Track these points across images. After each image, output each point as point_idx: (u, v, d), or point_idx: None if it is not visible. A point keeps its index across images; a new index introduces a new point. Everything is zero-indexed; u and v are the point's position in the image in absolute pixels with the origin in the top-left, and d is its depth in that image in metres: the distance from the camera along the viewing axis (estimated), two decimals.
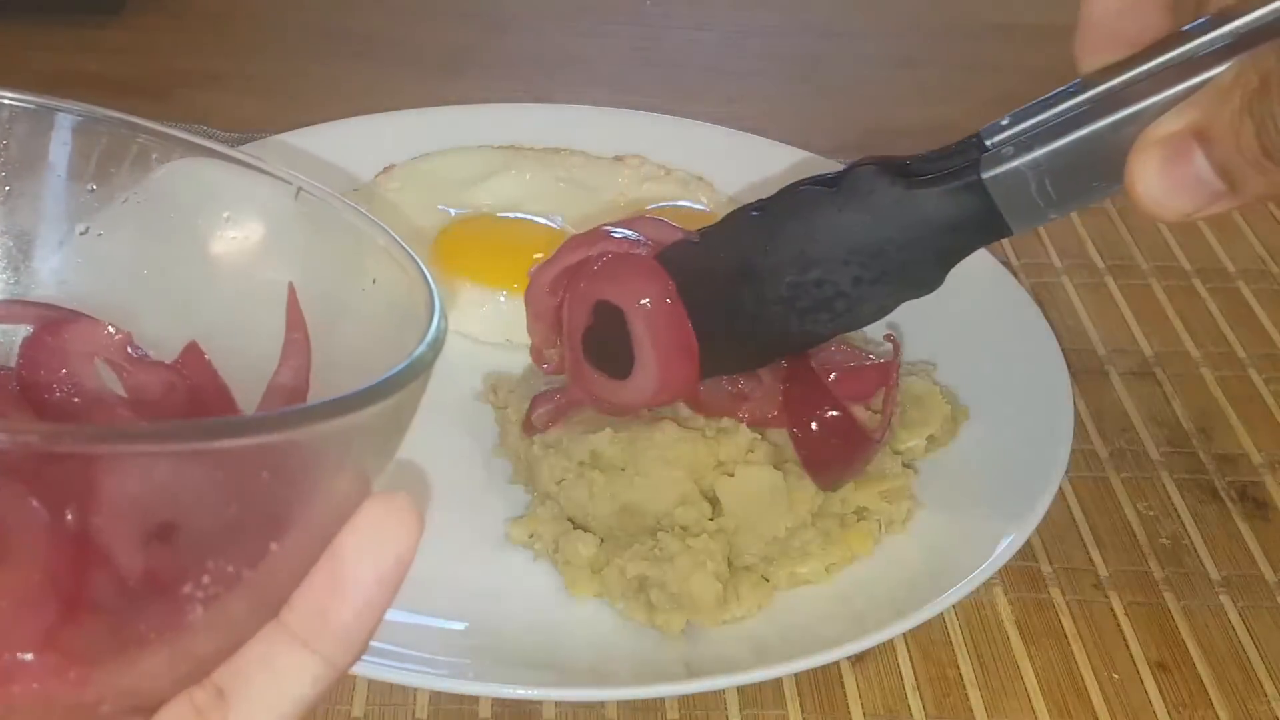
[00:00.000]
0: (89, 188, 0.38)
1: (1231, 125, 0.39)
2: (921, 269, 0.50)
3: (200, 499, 0.28)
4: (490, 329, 0.72)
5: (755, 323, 0.53)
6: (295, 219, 0.37)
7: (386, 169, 0.80)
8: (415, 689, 0.55)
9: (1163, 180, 0.41)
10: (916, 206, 0.48)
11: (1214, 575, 0.62)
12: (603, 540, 0.58)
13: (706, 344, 0.55)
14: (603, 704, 0.55)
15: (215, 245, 0.39)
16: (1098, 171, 0.45)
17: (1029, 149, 0.46)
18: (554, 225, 0.77)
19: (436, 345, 0.32)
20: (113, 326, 0.37)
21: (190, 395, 0.37)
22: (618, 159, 0.82)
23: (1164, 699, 0.57)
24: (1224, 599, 0.61)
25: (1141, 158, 0.41)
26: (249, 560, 0.29)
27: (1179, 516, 0.65)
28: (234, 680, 0.29)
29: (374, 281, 0.36)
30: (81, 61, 0.93)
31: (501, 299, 0.73)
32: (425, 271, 0.35)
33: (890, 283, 0.50)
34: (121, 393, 0.37)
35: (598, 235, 0.58)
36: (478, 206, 0.78)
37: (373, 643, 0.53)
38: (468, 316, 0.73)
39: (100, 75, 0.92)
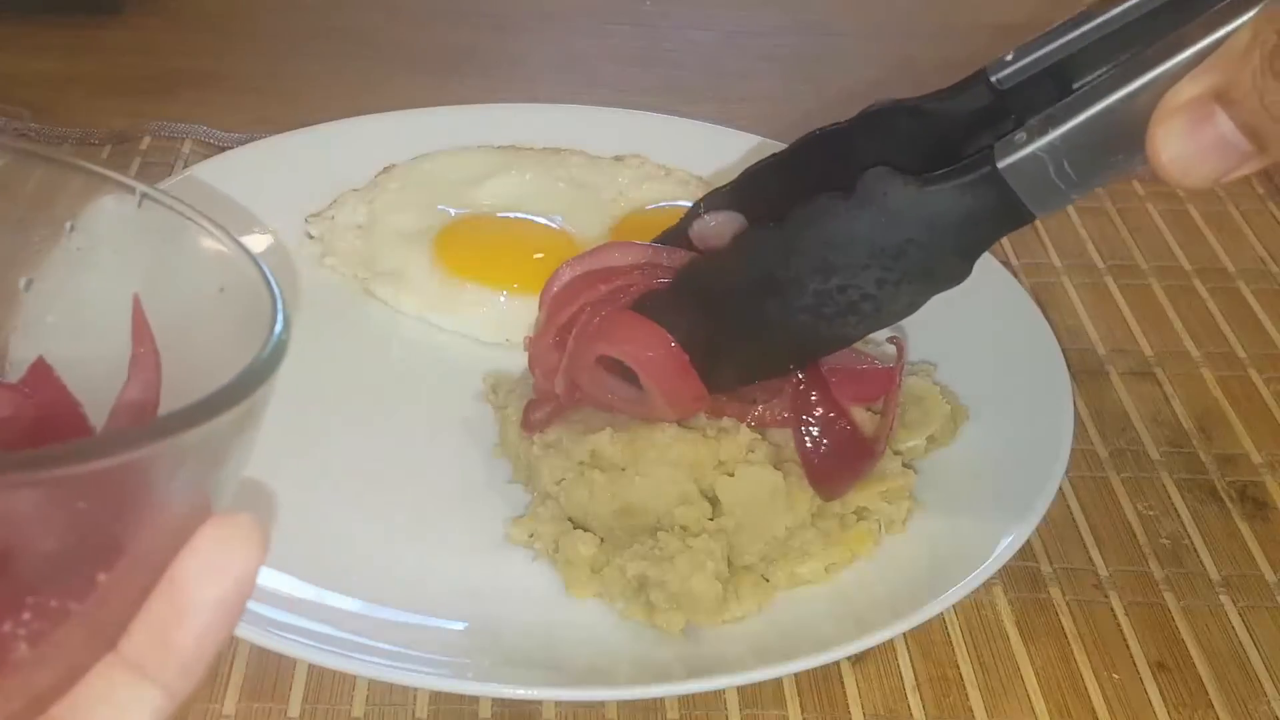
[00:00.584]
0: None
1: (1254, 85, 0.39)
2: (945, 264, 0.49)
3: (16, 531, 0.26)
4: (490, 329, 0.72)
5: (784, 332, 0.53)
6: (140, 227, 0.36)
7: (386, 169, 0.80)
8: (415, 689, 0.55)
9: (1188, 147, 0.40)
10: (932, 204, 0.47)
11: (1214, 575, 0.62)
12: (603, 540, 0.58)
13: (733, 356, 0.55)
14: (603, 704, 0.55)
15: (58, 256, 0.37)
16: (1117, 146, 0.44)
17: (1043, 132, 0.45)
18: (554, 225, 0.77)
19: (275, 356, 0.31)
20: None
21: (39, 413, 0.36)
22: (618, 159, 0.82)
23: (1164, 699, 0.57)
24: (1224, 599, 0.61)
25: (1163, 126, 0.41)
26: (75, 594, 0.27)
27: (1179, 516, 0.65)
28: (72, 716, 0.28)
29: (221, 290, 0.34)
30: (81, 61, 0.93)
31: (501, 299, 0.73)
32: (270, 278, 0.33)
33: (915, 281, 0.50)
34: None
35: (582, 285, 0.59)
36: (478, 206, 0.78)
37: (373, 643, 0.54)
38: (468, 316, 0.73)
39: (100, 75, 0.92)
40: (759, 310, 0.53)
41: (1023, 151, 0.45)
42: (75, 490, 0.26)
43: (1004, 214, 0.47)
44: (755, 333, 0.54)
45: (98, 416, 0.36)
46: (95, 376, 0.36)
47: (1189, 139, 0.40)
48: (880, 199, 0.48)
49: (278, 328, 0.32)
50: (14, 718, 0.28)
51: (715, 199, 0.58)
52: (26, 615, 0.26)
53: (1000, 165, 0.46)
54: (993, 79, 0.48)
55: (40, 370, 0.36)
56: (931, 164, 0.48)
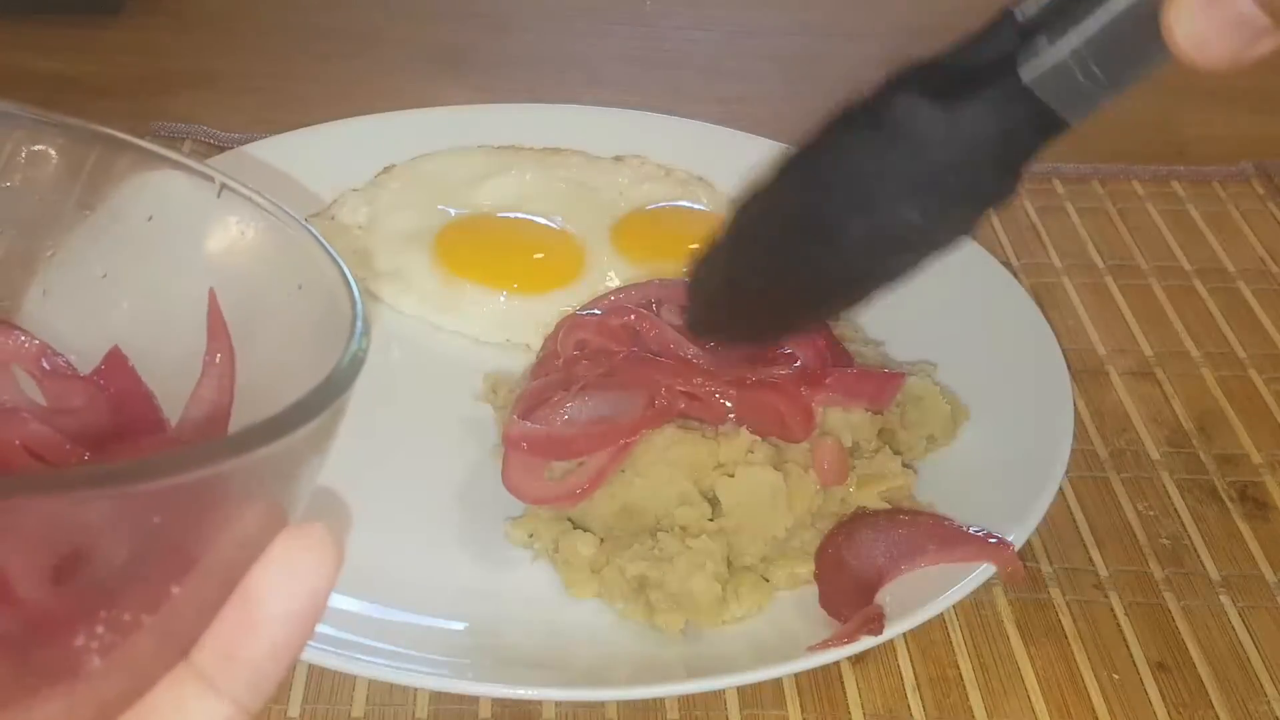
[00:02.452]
0: (3, 185, 0.36)
1: None
2: (988, 183, 0.47)
3: (92, 544, 0.25)
4: (490, 329, 0.72)
5: (835, 274, 0.51)
6: (218, 218, 0.35)
7: (386, 169, 0.80)
8: (415, 689, 0.55)
9: (1204, 23, 0.38)
10: (963, 126, 0.46)
11: (1214, 575, 0.62)
12: (602, 540, 0.58)
13: (786, 303, 0.53)
14: (603, 704, 0.55)
15: (134, 246, 0.36)
16: (1141, 38, 0.41)
17: (1062, 34, 0.43)
18: (554, 225, 0.77)
19: (354, 366, 0.30)
20: (25, 335, 0.35)
21: (113, 404, 0.35)
22: (618, 159, 0.82)
23: (1164, 699, 0.57)
24: (1224, 599, 0.61)
25: (1177, 6, 0.39)
26: (148, 606, 0.26)
27: (1179, 516, 0.65)
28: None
29: (299, 287, 0.34)
30: (81, 61, 0.93)
31: (501, 299, 0.73)
32: (350, 279, 0.32)
33: (960, 204, 0.48)
34: (42, 401, 0.35)
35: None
36: (478, 206, 0.78)
37: (373, 643, 0.54)
38: (468, 316, 0.73)
39: (100, 75, 0.92)
40: (806, 256, 0.51)
41: (1045, 60, 0.44)
42: (152, 504, 0.25)
43: (1038, 125, 0.46)
44: (807, 277, 0.52)
45: (170, 409, 0.35)
46: (168, 369, 0.35)
47: (1205, 16, 0.38)
48: (909, 128, 0.46)
49: (358, 335, 0.30)
50: None
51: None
52: (100, 628, 0.26)
53: (1026, 79, 0.44)
54: (1019, 18, 0.47)
55: (115, 360, 0.36)
56: None
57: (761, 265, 0.53)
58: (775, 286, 0.53)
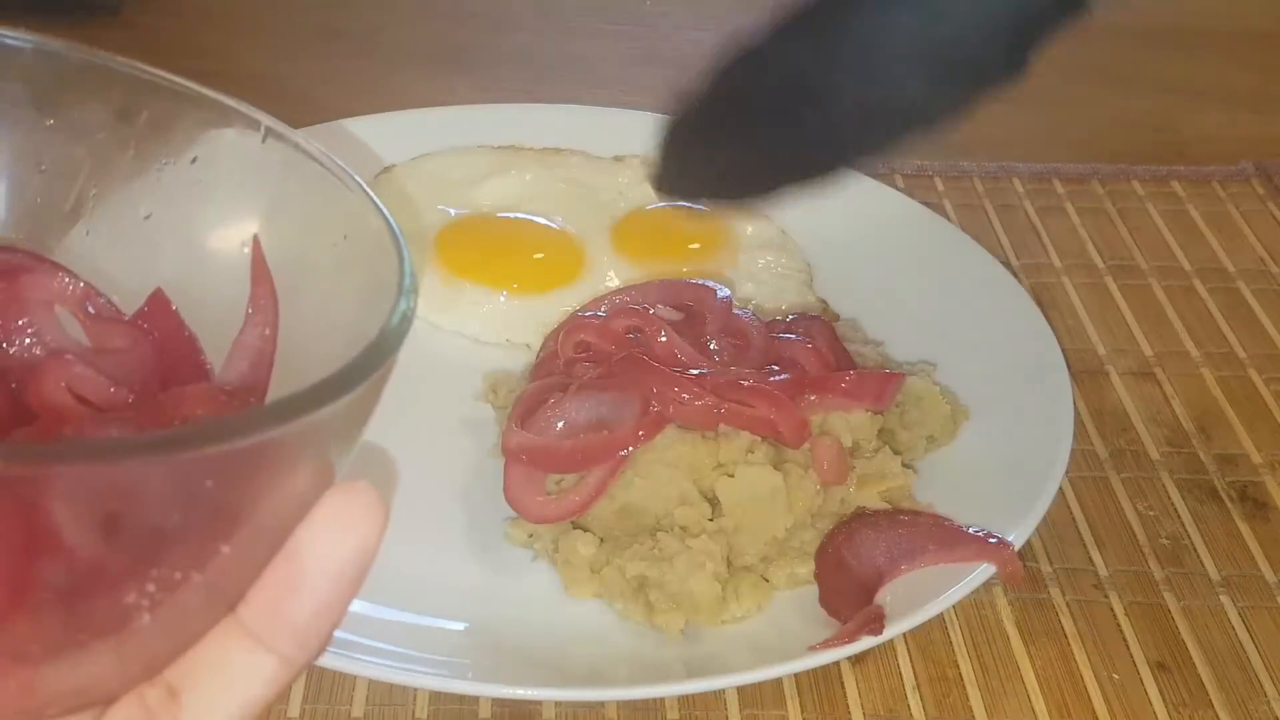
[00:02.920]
0: (48, 123, 0.36)
1: None
2: (1000, 60, 0.44)
3: (143, 507, 0.25)
4: (490, 329, 0.72)
5: (825, 142, 0.47)
6: (263, 163, 0.34)
7: (386, 169, 0.80)
8: (415, 689, 0.55)
9: None
10: None
11: (1214, 575, 0.62)
12: (602, 540, 0.58)
13: (764, 164, 0.49)
14: (603, 704, 0.55)
15: (178, 188, 0.36)
16: None
17: None
18: (554, 225, 0.77)
19: (404, 324, 0.30)
20: (69, 276, 0.35)
21: (157, 348, 0.35)
22: (618, 159, 0.82)
23: (1164, 699, 0.57)
24: (1224, 599, 0.61)
25: None
26: (197, 564, 0.27)
27: (1179, 516, 0.65)
28: (187, 679, 0.28)
29: (345, 237, 0.33)
30: None
31: (501, 299, 0.73)
32: (396, 231, 0.32)
33: (966, 79, 0.44)
34: (86, 343, 0.35)
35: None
36: (478, 206, 0.78)
37: (372, 643, 0.54)
38: (468, 316, 0.73)
39: None
40: (797, 120, 0.47)
41: None
42: (205, 468, 0.25)
43: (1059, 1, 0.42)
44: (793, 143, 0.48)
45: (214, 355, 0.35)
46: (212, 314, 0.35)
47: None
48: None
49: (406, 292, 0.30)
50: (131, 679, 0.28)
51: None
52: (150, 587, 0.26)
53: None
54: None
55: (158, 303, 0.35)
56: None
57: (744, 124, 0.49)
58: (756, 147, 0.49)
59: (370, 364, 0.28)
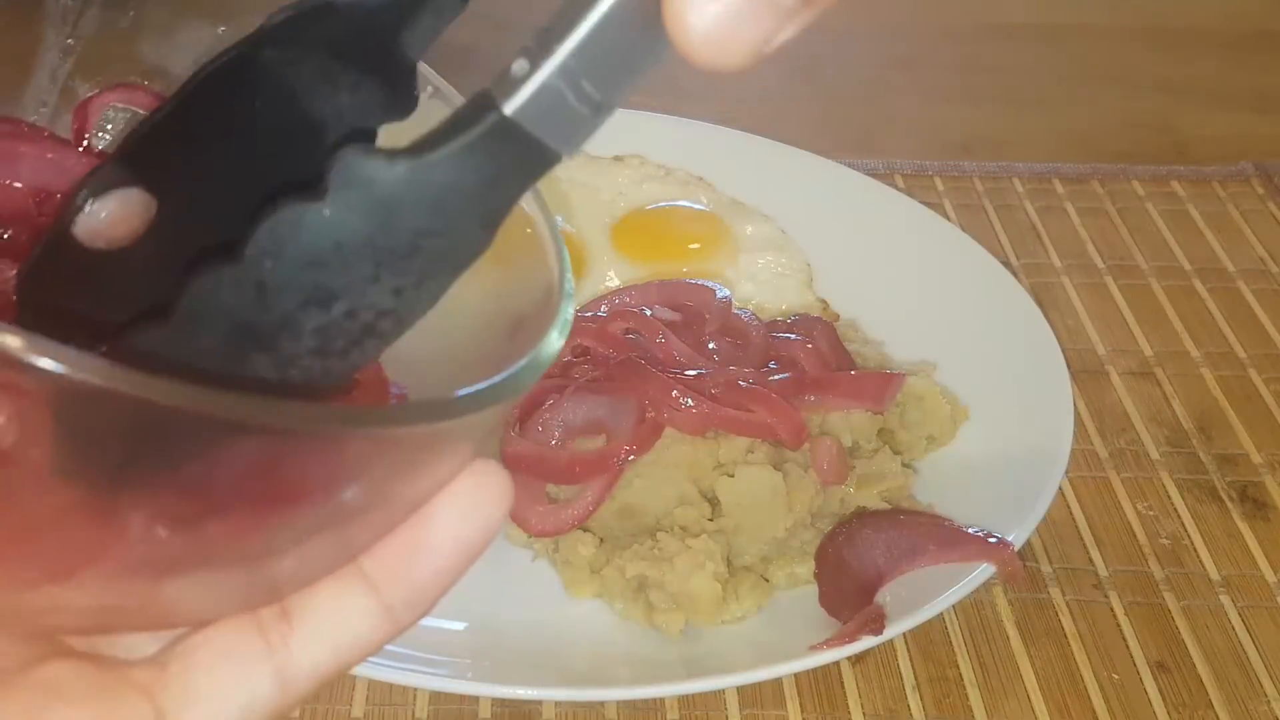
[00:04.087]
0: (220, 29, 0.38)
1: None
2: (469, 244, 0.37)
3: (335, 467, 0.27)
4: None
5: (287, 382, 0.37)
6: (424, 121, 0.34)
7: None
8: (415, 689, 0.55)
9: (719, 14, 0.30)
10: (437, 179, 0.36)
11: (1214, 575, 0.62)
12: (602, 540, 0.58)
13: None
14: (603, 704, 0.55)
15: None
16: (641, 40, 0.34)
17: (546, 53, 0.34)
18: None
19: (565, 327, 0.30)
20: None
21: None
22: (617, 159, 0.82)
23: (1164, 699, 0.57)
24: (1224, 599, 0.61)
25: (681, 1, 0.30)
26: (348, 519, 0.29)
27: (1179, 516, 0.65)
28: (301, 606, 0.30)
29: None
30: None
31: None
32: (552, 226, 0.32)
33: (438, 275, 0.37)
34: None
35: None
36: None
37: None
38: None
39: None
40: (248, 374, 0.37)
41: (530, 86, 0.35)
42: (386, 446, 0.27)
43: (526, 163, 0.36)
44: (253, 393, 0.34)
45: None
46: None
47: (718, 5, 0.30)
48: (365, 191, 0.36)
49: (568, 294, 0.31)
50: (252, 605, 0.30)
51: (101, 177, 0.41)
52: (304, 534, 0.28)
53: (508, 111, 0.35)
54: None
55: None
56: (368, 72, 0.39)
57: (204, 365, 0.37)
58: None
59: (539, 365, 0.30)
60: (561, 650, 0.56)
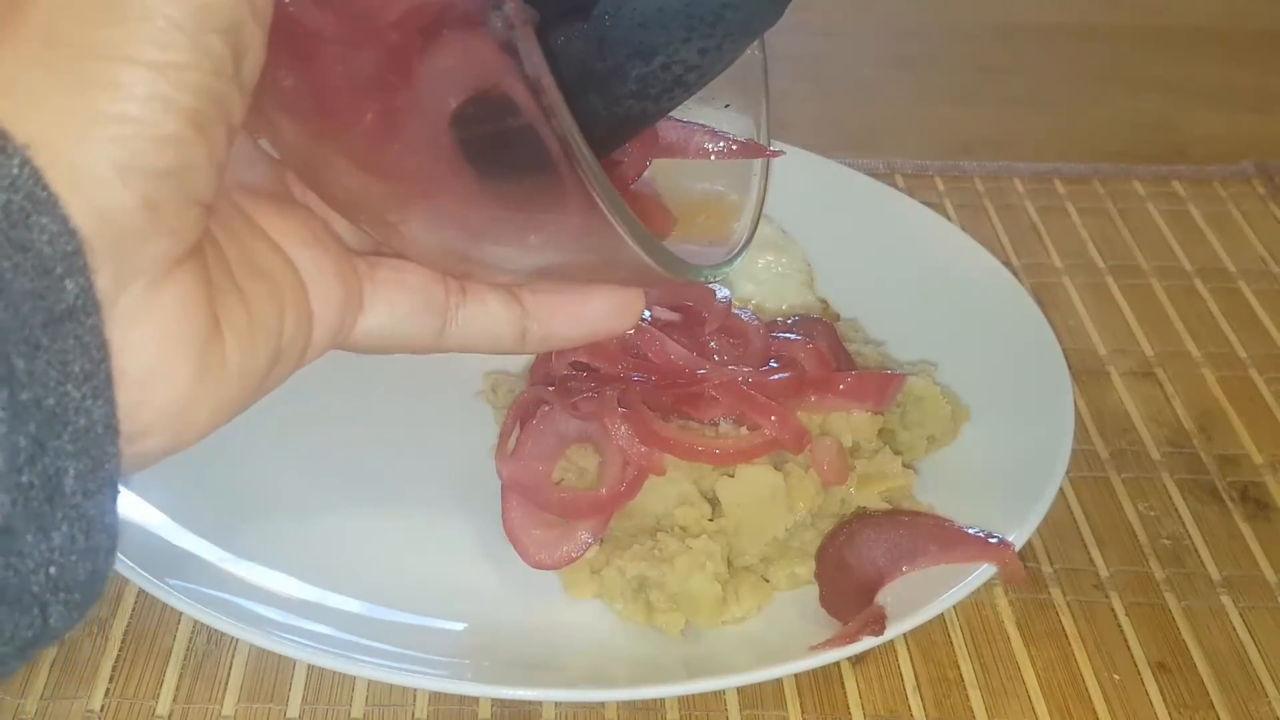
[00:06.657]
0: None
1: None
2: (762, 16, 0.46)
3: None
4: None
5: (611, 121, 0.49)
6: None
7: None
8: (415, 689, 0.55)
9: None
10: None
11: (1215, 576, 0.62)
12: (602, 540, 0.58)
13: None
14: (602, 704, 0.55)
15: None
16: None
17: None
18: None
19: (735, 261, 0.42)
20: None
21: None
22: None
23: (1165, 700, 0.57)
24: (1225, 599, 0.61)
25: None
26: (550, 254, 0.37)
27: (1180, 517, 0.65)
28: (476, 293, 0.38)
29: (726, 106, 0.45)
30: None
31: None
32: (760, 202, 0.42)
33: (735, 38, 0.46)
34: None
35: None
36: None
37: (373, 643, 0.54)
38: None
39: None
40: (584, 108, 0.48)
41: None
42: (616, 241, 0.34)
43: None
44: (584, 128, 0.50)
45: None
46: None
47: None
48: None
49: (746, 245, 0.44)
50: (443, 266, 0.38)
51: None
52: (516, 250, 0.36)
53: None
54: None
55: None
56: None
57: None
58: None
59: (715, 272, 0.40)
60: (561, 651, 0.56)
